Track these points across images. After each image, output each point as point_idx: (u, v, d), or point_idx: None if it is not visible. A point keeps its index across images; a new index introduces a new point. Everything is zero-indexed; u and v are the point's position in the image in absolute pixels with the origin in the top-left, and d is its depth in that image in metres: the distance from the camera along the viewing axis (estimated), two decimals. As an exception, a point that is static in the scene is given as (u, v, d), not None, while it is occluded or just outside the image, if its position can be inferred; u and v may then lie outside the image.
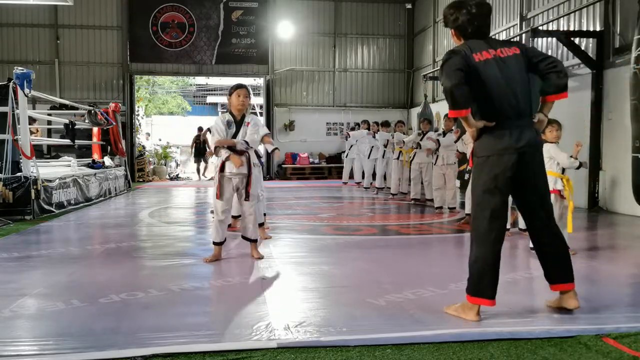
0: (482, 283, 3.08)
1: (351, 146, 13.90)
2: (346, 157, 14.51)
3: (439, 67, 3.22)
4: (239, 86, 4.82)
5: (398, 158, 10.87)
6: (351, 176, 14.24)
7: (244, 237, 4.99)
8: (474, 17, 3.10)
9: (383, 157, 11.62)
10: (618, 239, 6.34)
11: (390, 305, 3.45)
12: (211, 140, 4.80)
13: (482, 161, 3.07)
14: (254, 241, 4.98)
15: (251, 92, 5.16)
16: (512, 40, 3.28)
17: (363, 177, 13.22)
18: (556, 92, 3.06)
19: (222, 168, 4.75)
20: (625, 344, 2.76)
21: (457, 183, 8.38)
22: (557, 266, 3.18)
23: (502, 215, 3.09)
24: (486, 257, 3.07)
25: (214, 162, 4.89)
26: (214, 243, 4.86)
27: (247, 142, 4.75)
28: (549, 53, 9.61)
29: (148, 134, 20.94)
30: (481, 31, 3.14)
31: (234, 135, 4.75)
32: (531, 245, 4.95)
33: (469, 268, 3.15)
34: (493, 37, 3.50)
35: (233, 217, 5.74)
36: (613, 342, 2.78)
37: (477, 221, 3.12)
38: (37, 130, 12.41)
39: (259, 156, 5.17)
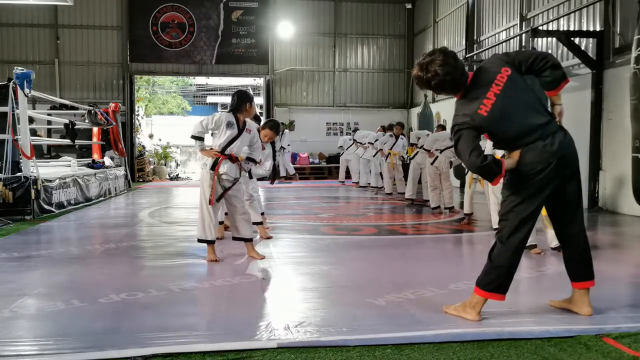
0: (500, 281, 3.10)
1: (348, 147, 14.32)
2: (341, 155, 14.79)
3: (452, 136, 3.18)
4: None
5: (386, 159, 11.09)
6: (348, 176, 14.41)
7: (236, 238, 4.97)
8: (452, 73, 3.04)
9: (386, 159, 11.69)
10: (618, 239, 6.34)
11: (390, 305, 3.44)
12: (194, 129, 4.78)
13: (521, 171, 3.05)
14: (250, 240, 4.99)
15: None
16: (493, 60, 3.21)
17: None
18: (558, 84, 3.05)
19: (213, 166, 4.76)
20: (625, 344, 2.76)
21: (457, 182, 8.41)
22: (581, 264, 3.21)
23: (533, 222, 3.14)
24: (512, 261, 3.10)
25: (207, 163, 4.85)
26: (209, 242, 4.86)
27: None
28: (549, 52, 9.60)
29: (151, 135, 20.94)
30: (465, 77, 3.09)
31: (235, 137, 4.77)
32: (552, 245, 5.00)
33: (490, 267, 3.12)
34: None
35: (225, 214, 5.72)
36: (613, 342, 2.78)
37: (508, 225, 3.10)
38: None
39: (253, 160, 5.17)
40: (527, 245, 4.89)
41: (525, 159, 3.01)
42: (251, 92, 5.01)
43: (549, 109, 3.14)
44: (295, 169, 17.37)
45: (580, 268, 3.22)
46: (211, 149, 4.82)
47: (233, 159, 4.81)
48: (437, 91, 3.20)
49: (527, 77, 3.10)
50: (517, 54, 3.19)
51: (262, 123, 6.04)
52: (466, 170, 6.98)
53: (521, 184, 3.05)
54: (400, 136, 11.06)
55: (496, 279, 3.09)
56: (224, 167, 4.78)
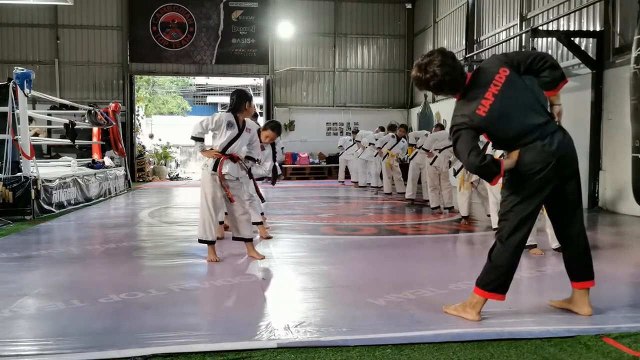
0: (500, 281, 3.09)
1: (348, 147, 14.40)
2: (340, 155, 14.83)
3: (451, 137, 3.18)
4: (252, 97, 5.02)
5: (383, 159, 11.15)
6: (347, 176, 14.43)
7: (237, 238, 4.97)
8: (450, 74, 3.03)
9: (383, 158, 11.70)
10: (618, 239, 6.34)
11: (390, 305, 3.45)
12: (194, 129, 4.75)
13: (520, 171, 3.05)
14: (250, 240, 4.98)
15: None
16: (492, 60, 3.23)
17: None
18: (557, 85, 3.05)
19: (215, 167, 4.75)
20: (625, 344, 2.76)
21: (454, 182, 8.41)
22: (581, 264, 3.22)
23: (532, 221, 3.14)
24: (511, 261, 3.09)
25: (208, 164, 4.83)
26: (210, 242, 4.86)
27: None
28: (549, 52, 9.61)
29: (151, 135, 20.94)
30: (464, 77, 3.08)
31: (236, 137, 4.76)
32: (554, 246, 4.99)
33: (489, 267, 3.11)
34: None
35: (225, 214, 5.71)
36: (613, 342, 2.78)
37: (507, 225, 3.10)
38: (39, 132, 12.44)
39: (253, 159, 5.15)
40: (527, 245, 4.92)
41: (524, 159, 3.01)
42: (251, 92, 4.98)
43: (548, 109, 3.14)
44: (295, 169, 17.39)
45: (580, 268, 3.22)
46: (211, 149, 4.81)
47: (234, 158, 4.81)
48: (435, 92, 3.20)
49: (526, 78, 3.10)
50: (516, 54, 3.19)
51: (261, 123, 6.04)
52: (456, 171, 6.98)
53: (520, 184, 3.05)
54: (402, 138, 11.07)
55: (496, 278, 3.09)
56: (226, 168, 4.77)
